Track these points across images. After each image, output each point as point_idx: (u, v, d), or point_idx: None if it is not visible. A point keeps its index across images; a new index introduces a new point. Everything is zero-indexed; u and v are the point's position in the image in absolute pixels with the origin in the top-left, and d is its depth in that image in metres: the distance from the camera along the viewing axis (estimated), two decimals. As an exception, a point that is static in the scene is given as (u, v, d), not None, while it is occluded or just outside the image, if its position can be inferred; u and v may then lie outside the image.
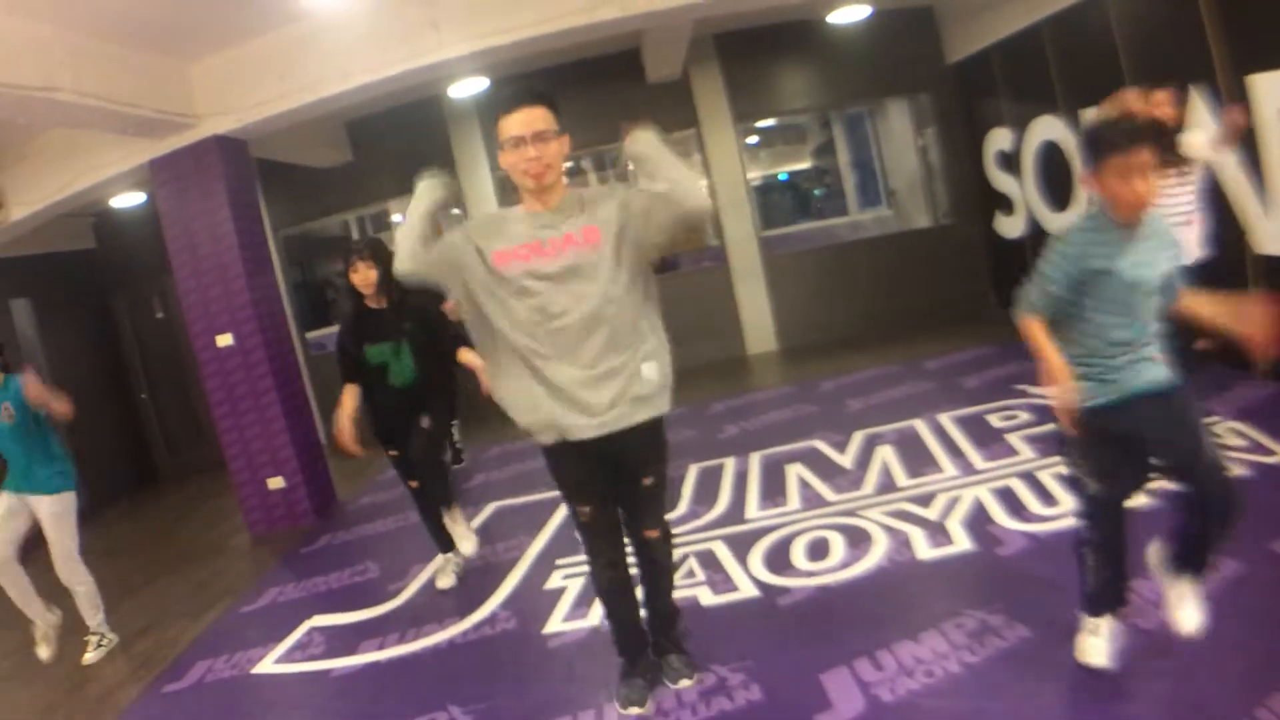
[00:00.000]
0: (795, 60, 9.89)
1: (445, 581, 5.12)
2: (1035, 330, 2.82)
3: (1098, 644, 2.94)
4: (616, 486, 3.21)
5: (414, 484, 5.04)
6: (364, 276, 4.79)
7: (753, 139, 12.28)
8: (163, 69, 6.40)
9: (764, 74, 9.89)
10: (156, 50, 6.25)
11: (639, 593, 3.44)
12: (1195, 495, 2.76)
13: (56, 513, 5.14)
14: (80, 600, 5.26)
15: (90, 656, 5.18)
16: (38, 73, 5.11)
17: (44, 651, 5.33)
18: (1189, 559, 2.87)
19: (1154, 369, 2.78)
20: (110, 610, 5.76)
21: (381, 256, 4.76)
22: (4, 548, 5.09)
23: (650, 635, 3.49)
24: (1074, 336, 2.83)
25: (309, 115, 6.97)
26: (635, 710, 3.32)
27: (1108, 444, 2.86)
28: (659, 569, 3.40)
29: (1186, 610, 2.88)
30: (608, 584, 3.33)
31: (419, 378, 4.81)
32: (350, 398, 4.84)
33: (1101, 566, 2.93)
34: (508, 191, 10.35)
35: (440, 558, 5.26)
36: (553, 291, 2.95)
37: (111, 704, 4.59)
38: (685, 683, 3.40)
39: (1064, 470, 3.00)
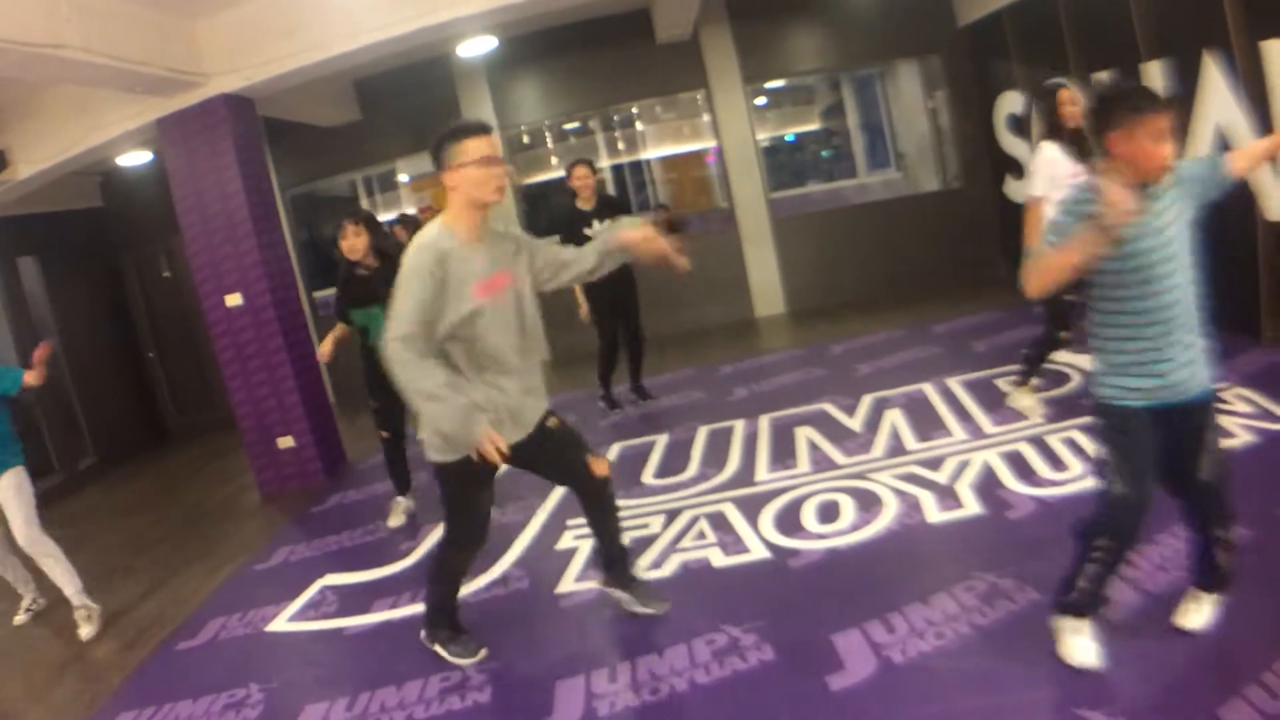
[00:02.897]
0: (806, 21, 9.77)
1: (396, 521, 5.73)
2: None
3: (1087, 643, 2.87)
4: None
5: (385, 434, 5.66)
6: (351, 243, 5.19)
7: (761, 100, 12.19)
8: (170, 26, 6.33)
9: (774, 35, 9.77)
10: (164, 7, 6.19)
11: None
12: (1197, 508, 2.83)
13: (18, 484, 5.05)
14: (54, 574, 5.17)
15: (86, 631, 5.05)
16: (44, 29, 5.04)
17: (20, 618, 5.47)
18: (1214, 572, 2.91)
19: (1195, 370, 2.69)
20: (122, 569, 5.82)
21: (371, 226, 5.28)
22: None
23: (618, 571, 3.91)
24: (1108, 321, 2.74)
25: (317, 74, 6.92)
26: (470, 660, 3.75)
27: (1142, 443, 2.74)
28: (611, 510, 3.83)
29: (1200, 615, 2.93)
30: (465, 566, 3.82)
31: None
32: (337, 332, 5.54)
33: (1104, 574, 2.82)
34: (516, 151, 10.32)
35: (398, 499, 5.82)
36: (495, 318, 3.31)
37: (124, 661, 4.64)
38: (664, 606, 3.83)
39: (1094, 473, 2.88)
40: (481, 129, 3.25)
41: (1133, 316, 2.66)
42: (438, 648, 3.80)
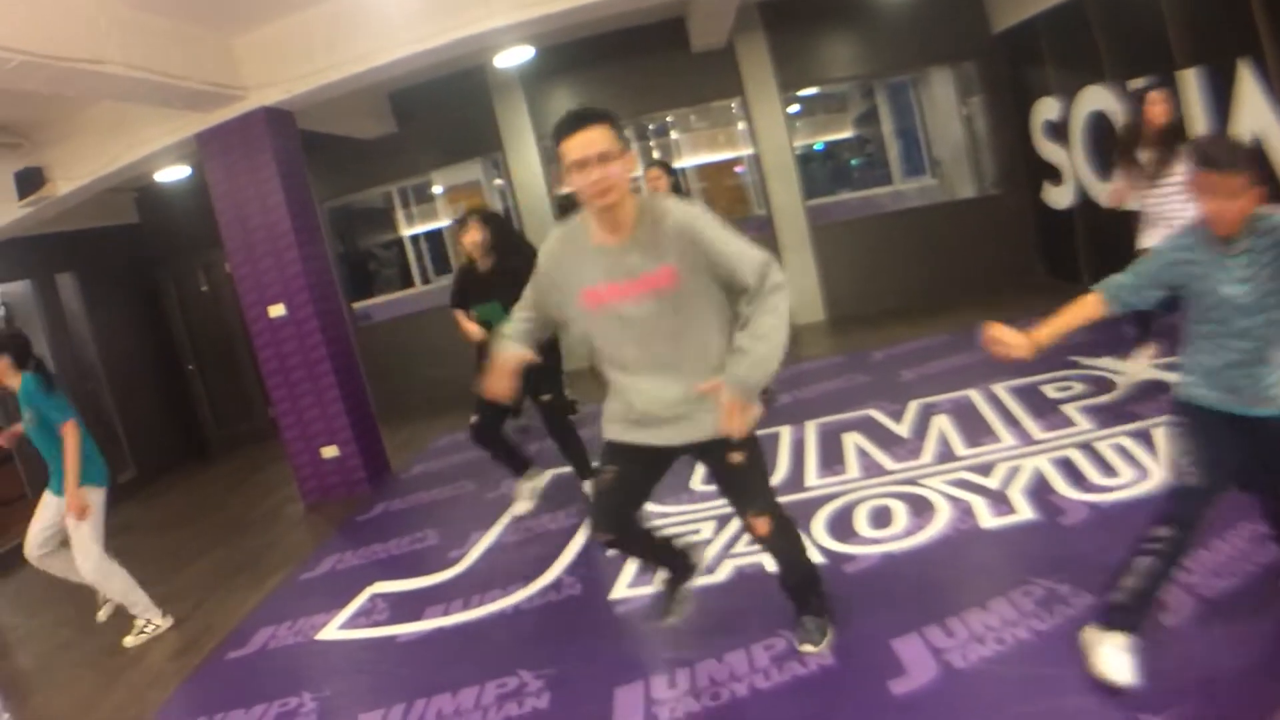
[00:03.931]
0: (840, 28, 9.76)
1: (524, 507, 5.73)
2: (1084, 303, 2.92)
3: (1124, 657, 2.79)
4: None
5: (473, 419, 5.47)
6: (472, 237, 5.36)
7: (794, 108, 12.18)
8: (209, 41, 6.41)
9: (809, 42, 9.76)
10: (203, 22, 6.26)
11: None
12: None
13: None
14: (114, 595, 5.21)
15: (130, 640, 5.17)
16: (85, 45, 5.09)
17: (102, 614, 5.54)
18: None
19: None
20: (169, 579, 5.87)
21: (492, 223, 5.44)
22: (31, 540, 5.21)
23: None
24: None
25: (355, 86, 6.97)
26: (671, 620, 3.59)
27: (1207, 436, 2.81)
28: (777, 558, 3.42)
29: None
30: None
31: None
32: (464, 318, 5.53)
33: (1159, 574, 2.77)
34: (551, 161, 10.34)
35: (521, 483, 5.82)
36: (633, 323, 2.98)
37: (174, 671, 4.67)
38: (809, 648, 3.37)
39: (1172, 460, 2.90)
40: (573, 125, 2.81)
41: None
42: None
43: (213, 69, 6.41)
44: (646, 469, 3.24)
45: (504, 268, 5.28)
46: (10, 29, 4.56)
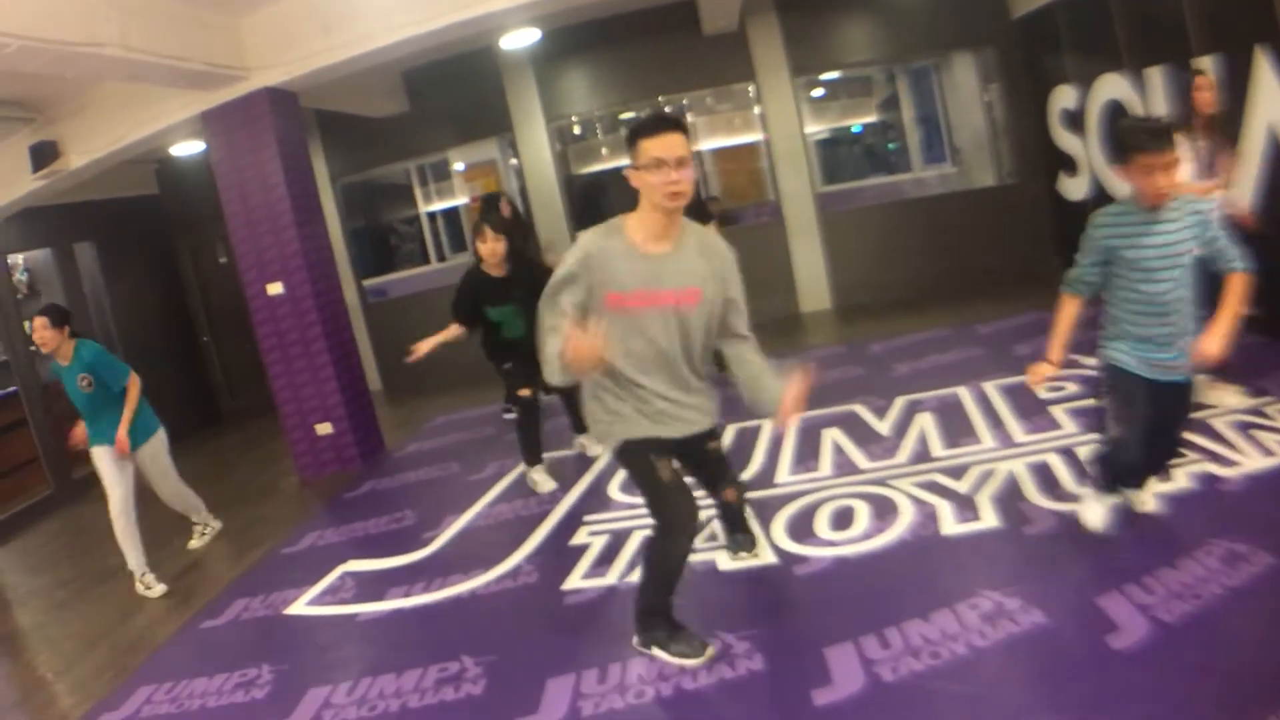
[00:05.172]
0: (855, 12, 9.63)
1: (546, 486, 5.71)
2: (1064, 307, 3.33)
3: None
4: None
5: (527, 391, 5.65)
6: (491, 248, 5.40)
7: (819, 91, 12.03)
8: (211, 22, 6.46)
9: (823, 26, 9.64)
10: (204, 4, 6.30)
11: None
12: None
13: (153, 453, 5.75)
14: (191, 514, 6.22)
15: (195, 543, 6.22)
16: (82, 28, 5.14)
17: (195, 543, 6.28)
18: None
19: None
20: (162, 547, 6.03)
21: (510, 231, 5.54)
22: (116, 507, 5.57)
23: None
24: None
25: (358, 67, 6.99)
26: (695, 661, 3.38)
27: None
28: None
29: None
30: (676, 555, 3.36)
31: (528, 334, 5.26)
32: (448, 333, 5.53)
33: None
34: (566, 141, 10.33)
35: (535, 470, 5.81)
36: (652, 326, 3.21)
37: (151, 637, 4.81)
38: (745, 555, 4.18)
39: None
40: (658, 126, 3.06)
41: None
42: (656, 650, 3.45)
43: (215, 50, 6.47)
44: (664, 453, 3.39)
45: (513, 276, 5.47)
46: (7, 13, 4.62)
